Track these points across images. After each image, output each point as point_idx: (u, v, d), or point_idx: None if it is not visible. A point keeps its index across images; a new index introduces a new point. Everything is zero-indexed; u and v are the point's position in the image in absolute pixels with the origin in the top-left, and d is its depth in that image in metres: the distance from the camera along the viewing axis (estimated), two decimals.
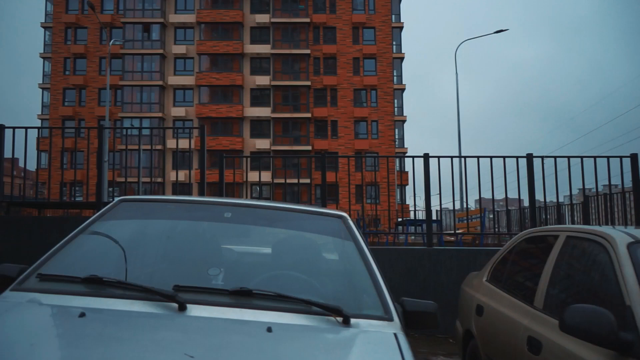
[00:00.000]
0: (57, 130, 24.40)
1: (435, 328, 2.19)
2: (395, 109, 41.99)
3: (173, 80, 41.62)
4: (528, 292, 3.03)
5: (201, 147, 6.52)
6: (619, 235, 2.49)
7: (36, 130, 7.01)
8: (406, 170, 36.33)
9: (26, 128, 6.61)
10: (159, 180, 33.07)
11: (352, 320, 1.84)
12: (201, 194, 6.35)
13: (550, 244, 3.07)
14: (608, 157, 6.33)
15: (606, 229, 2.67)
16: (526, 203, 6.64)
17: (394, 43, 42.78)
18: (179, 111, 41.13)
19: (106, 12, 42.45)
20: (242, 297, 1.87)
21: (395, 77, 42.34)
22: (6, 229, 6.44)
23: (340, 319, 1.83)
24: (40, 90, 43.47)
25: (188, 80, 41.53)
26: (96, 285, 1.86)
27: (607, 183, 6.86)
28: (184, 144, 31.29)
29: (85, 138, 28.05)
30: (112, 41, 32.47)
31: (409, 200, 37.70)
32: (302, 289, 2.09)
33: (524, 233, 3.73)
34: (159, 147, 33.29)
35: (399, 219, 14.88)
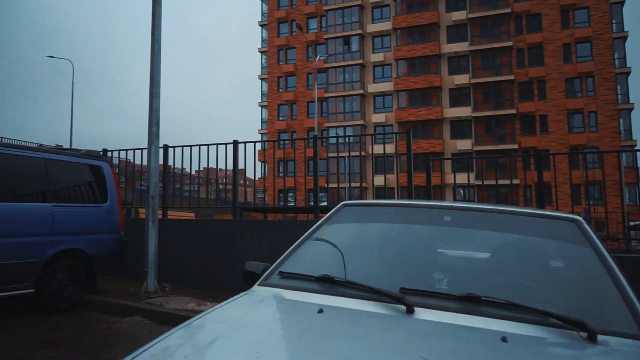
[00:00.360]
0: (277, 141, 27.26)
1: None
2: (619, 97, 36.69)
3: (372, 88, 43.12)
4: None
5: (407, 152, 6.59)
6: None
7: (257, 143, 8.09)
8: (638, 165, 31.24)
9: (254, 142, 7.55)
10: (363, 185, 34.65)
11: (600, 337, 1.64)
12: (410, 198, 6.41)
13: None
14: None
15: None
16: None
17: (614, 21, 37.53)
18: (379, 117, 42.42)
19: (311, 31, 46.26)
20: (470, 303, 1.81)
21: (617, 60, 37.07)
22: (241, 230, 7.41)
23: (584, 334, 1.64)
24: (260, 108, 49.30)
25: (386, 86, 42.60)
26: (329, 284, 2.00)
27: None
28: (385, 149, 31.98)
29: (297, 149, 30.73)
30: (317, 57, 35.17)
31: None
32: (534, 299, 1.94)
33: None
34: (361, 153, 34.83)
35: (632, 223, 12.86)
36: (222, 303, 1.97)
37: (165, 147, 8.41)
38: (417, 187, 7.00)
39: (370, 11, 44.51)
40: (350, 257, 2.34)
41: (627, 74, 37.36)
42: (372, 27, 43.81)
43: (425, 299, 1.85)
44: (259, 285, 2.18)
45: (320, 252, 2.45)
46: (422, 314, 1.76)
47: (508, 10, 38.87)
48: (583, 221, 2.32)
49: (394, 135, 7.06)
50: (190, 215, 12.25)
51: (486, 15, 39.58)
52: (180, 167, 9.02)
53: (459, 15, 40.57)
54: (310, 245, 2.45)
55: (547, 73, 37.79)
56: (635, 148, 31.31)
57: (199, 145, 7.99)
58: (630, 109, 37.00)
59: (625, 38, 37.71)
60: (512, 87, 38.60)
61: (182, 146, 8.17)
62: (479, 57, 39.83)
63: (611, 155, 28.40)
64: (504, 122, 38.72)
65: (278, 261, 2.33)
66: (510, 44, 38.58)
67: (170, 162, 8.53)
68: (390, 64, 43.02)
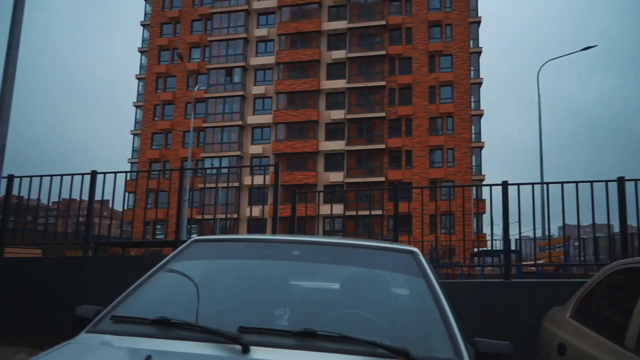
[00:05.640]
0: (145, 172, 26.05)
1: None
2: (473, 136, 40.88)
3: (252, 119, 43.42)
4: (618, 330, 2.75)
5: (275, 184, 6.66)
6: None
7: (125, 173, 7.55)
8: (483, 198, 34.81)
9: (115, 173, 7.13)
10: (235, 216, 34.19)
11: None
12: (273, 230, 6.46)
13: None
14: None
15: None
16: (616, 229, 6.13)
17: (472, 69, 42.02)
18: (256, 149, 42.67)
19: (194, 61, 45.59)
20: (307, 338, 1.83)
21: (472, 103, 41.40)
22: (91, 267, 6.82)
23: None
24: (132, 136, 46.95)
25: (266, 118, 43.16)
26: (165, 326, 1.88)
27: None
28: (260, 180, 32.36)
29: (169, 179, 29.43)
30: (197, 87, 34.69)
31: (487, 230, 36.10)
32: (369, 329, 2.03)
33: (615, 264, 3.43)
34: (236, 184, 34.40)
35: (475, 250, 14.22)
36: (40, 355, 1.77)
37: (10, 177, 7.54)
38: (287, 218, 7.05)
39: (255, 45, 45.18)
40: (194, 296, 2.26)
41: (480, 115, 41.83)
42: (255, 60, 44.40)
43: (262, 337, 1.82)
44: (87, 332, 1.97)
45: (163, 292, 2.33)
46: (257, 353, 1.74)
47: (383, 52, 41.80)
48: (419, 253, 2.49)
49: (266, 167, 7.08)
50: (37, 252, 10.83)
51: (363, 55, 42.17)
52: (34, 198, 8.14)
53: (339, 54, 42.69)
54: (152, 286, 2.31)
55: (414, 112, 40.95)
56: (484, 183, 34.97)
57: (51, 176, 7.31)
58: (482, 147, 41.37)
59: (480, 84, 42.32)
60: (383, 123, 41.20)
61: (31, 176, 7.39)
62: (354, 94, 42.08)
63: (462, 188, 31.34)
64: (374, 156, 41.09)
65: (113, 304, 2.16)
66: (383, 83, 41.35)
67: (17, 193, 7.67)
68: (270, 97, 43.76)
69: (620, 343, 2.62)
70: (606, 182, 5.95)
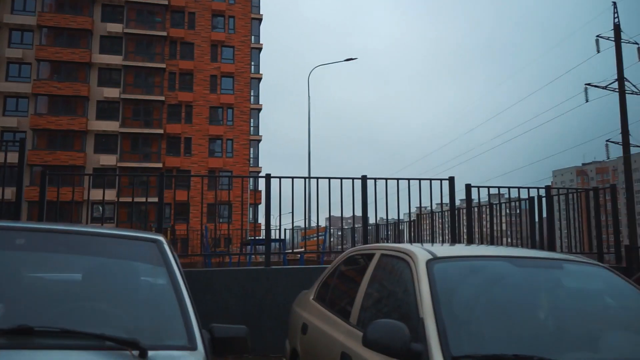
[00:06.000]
0: None
1: (245, 352, 2.16)
2: (252, 129, 42.25)
3: (4, 86, 37.16)
4: (346, 309, 3.17)
5: (19, 164, 5.84)
6: (421, 253, 2.72)
7: None
8: (260, 189, 36.38)
9: None
10: None
11: (150, 353, 1.73)
12: (16, 217, 5.68)
13: (367, 261, 3.25)
14: (430, 180, 7.03)
15: (411, 247, 2.90)
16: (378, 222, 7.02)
17: (253, 63, 43.19)
18: (9, 121, 36.73)
19: None
20: (21, 336, 1.65)
21: (252, 97, 42.67)
22: None
23: (136, 352, 1.71)
24: None
25: (23, 87, 37.40)
26: None
27: (438, 202, 7.57)
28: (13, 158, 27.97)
29: None
30: None
31: (262, 219, 37.94)
32: (102, 322, 1.94)
33: (348, 251, 3.92)
34: None
35: (250, 238, 14.89)
36: None
37: None
38: (48, 203, 6.23)
39: (10, 0, 38.52)
40: None
41: (259, 110, 43.45)
42: (10, 18, 37.89)
43: None
44: None
45: None
46: None
47: (164, 33, 39.94)
48: (163, 241, 2.46)
49: (8, 142, 6.11)
50: None
51: (142, 33, 39.69)
52: None
53: (115, 28, 39.32)
54: None
55: (195, 99, 40.35)
56: (260, 174, 36.60)
57: None
58: (259, 140, 43.13)
59: (260, 79, 43.83)
60: (162, 107, 39.62)
61: None
62: (131, 73, 39.42)
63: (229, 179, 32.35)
64: (151, 140, 39.32)
65: None
66: (163, 65, 39.62)
67: None
68: (30, 63, 38.04)
69: (347, 320, 3.01)
70: (352, 179, 6.77)
